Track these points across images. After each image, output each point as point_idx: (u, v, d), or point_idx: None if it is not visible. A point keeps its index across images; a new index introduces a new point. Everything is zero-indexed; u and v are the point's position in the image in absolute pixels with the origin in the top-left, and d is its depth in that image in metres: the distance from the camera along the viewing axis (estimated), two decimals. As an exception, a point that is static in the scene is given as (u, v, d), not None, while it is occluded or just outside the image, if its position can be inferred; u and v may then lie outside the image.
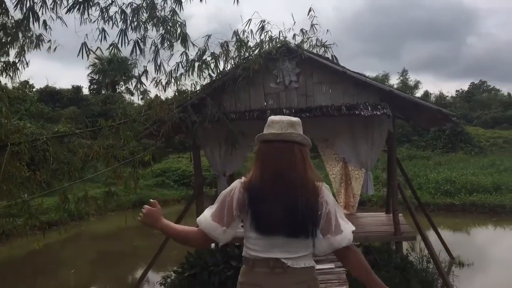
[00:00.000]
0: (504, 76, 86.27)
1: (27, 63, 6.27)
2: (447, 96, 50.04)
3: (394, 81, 48.20)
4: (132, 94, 35.16)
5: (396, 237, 7.27)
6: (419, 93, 46.14)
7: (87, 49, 5.54)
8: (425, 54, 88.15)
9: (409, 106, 7.00)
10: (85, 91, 35.05)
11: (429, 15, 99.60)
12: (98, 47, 5.96)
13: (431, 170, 21.53)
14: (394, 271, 6.52)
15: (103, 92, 35.11)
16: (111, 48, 5.82)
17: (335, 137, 7.28)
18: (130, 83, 34.38)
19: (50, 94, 30.96)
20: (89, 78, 36.82)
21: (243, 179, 2.44)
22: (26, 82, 28.22)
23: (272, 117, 2.51)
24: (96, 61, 33.18)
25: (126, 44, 5.83)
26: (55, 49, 6.19)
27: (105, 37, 5.64)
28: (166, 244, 7.92)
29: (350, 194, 9.79)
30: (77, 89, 32.43)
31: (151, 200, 2.54)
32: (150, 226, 2.49)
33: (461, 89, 55.85)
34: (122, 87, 37.20)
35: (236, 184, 2.43)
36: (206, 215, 2.44)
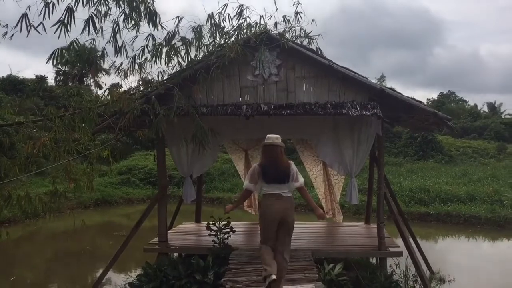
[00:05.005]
0: (469, 87, 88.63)
1: None
2: (419, 104, 50.32)
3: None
4: (101, 88, 33.75)
5: (381, 253, 6.57)
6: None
7: (28, 23, 4.59)
8: (394, 62, 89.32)
9: (400, 107, 6.27)
10: (51, 82, 33.66)
11: (398, 23, 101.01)
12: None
13: (404, 178, 21.15)
14: (379, 292, 5.82)
15: (69, 84, 33.68)
16: (58, 25, 4.86)
17: (317, 139, 6.53)
18: (97, 76, 33.05)
19: (12, 84, 29.25)
20: (56, 69, 35.42)
21: (257, 163, 5.40)
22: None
23: (268, 135, 5.28)
24: (64, 51, 31.72)
25: (82, 22, 4.95)
26: (11, 36, 4.84)
27: (51, 12, 4.71)
28: (126, 246, 7.11)
29: (333, 200, 9.10)
30: (41, 79, 30.84)
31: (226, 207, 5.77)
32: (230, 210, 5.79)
33: (432, 97, 56.43)
34: (90, 79, 35.95)
35: (255, 165, 5.36)
36: (247, 182, 5.36)
